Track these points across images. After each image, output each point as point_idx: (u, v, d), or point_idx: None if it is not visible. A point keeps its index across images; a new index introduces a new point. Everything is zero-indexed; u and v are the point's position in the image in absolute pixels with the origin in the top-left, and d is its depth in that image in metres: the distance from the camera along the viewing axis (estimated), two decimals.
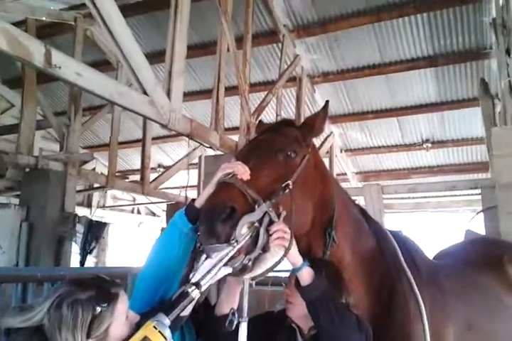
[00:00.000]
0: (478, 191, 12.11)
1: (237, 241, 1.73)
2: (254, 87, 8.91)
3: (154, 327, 1.63)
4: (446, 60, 8.68)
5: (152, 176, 9.65)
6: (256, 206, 1.83)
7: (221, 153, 5.96)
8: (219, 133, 5.60)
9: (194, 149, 9.78)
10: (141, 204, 14.46)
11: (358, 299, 2.27)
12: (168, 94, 4.48)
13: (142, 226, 15.23)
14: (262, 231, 1.83)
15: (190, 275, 1.81)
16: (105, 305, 1.63)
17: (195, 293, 1.71)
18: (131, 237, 14.66)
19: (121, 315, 1.69)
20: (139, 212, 15.55)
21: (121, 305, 1.71)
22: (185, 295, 1.71)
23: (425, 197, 12.51)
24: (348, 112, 10.34)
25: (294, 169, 2.13)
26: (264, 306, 3.18)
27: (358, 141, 11.41)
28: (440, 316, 2.46)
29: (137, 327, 1.67)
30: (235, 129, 8.96)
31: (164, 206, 12.93)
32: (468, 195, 12.46)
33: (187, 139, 10.55)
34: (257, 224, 1.83)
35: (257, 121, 2.99)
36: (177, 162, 9.65)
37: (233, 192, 1.86)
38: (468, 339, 2.57)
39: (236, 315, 1.88)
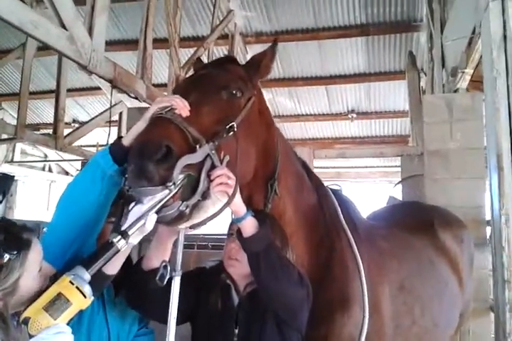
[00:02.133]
0: (394, 164, 12.65)
1: (174, 183, 1.45)
2: (184, 41, 8.42)
3: (71, 282, 1.37)
4: (378, 30, 8.67)
5: (66, 132, 8.95)
6: (197, 147, 1.57)
7: (147, 105, 5.52)
8: (146, 83, 5.15)
9: (115, 104, 9.12)
10: (53, 161, 13.50)
11: (298, 255, 2.16)
12: (90, 31, 3.98)
13: (54, 185, 14.32)
14: (202, 175, 1.57)
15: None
16: (15, 252, 1.38)
17: (121, 244, 1.45)
18: (42, 196, 13.82)
19: (33, 265, 1.43)
20: (50, 170, 14.49)
21: (34, 254, 1.44)
22: (109, 245, 1.45)
23: (346, 167, 12.85)
24: (279, 77, 10.13)
25: (238, 110, 1.90)
26: (189, 268, 3.00)
27: (286, 107, 11.29)
28: (377, 274, 2.43)
29: (53, 282, 1.40)
30: (161, 86, 8.49)
31: (78, 165, 12.20)
32: (384, 166, 13.04)
33: (106, 93, 9.88)
34: (197, 167, 1.57)
35: (195, 59, 2.68)
36: (96, 116, 8.94)
37: (171, 128, 1.58)
38: (401, 299, 2.56)
39: (168, 268, 1.63)
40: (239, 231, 1.81)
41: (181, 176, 1.50)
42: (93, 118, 8.92)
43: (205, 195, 1.60)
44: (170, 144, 1.48)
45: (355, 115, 11.14)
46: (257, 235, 1.77)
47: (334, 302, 2.22)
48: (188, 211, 1.56)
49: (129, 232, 1.47)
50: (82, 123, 9.40)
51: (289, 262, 1.90)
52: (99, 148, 10.46)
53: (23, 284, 1.40)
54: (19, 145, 12.51)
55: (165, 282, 1.64)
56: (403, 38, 8.87)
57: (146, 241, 1.77)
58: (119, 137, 1.75)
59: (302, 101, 11.07)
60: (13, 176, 8.57)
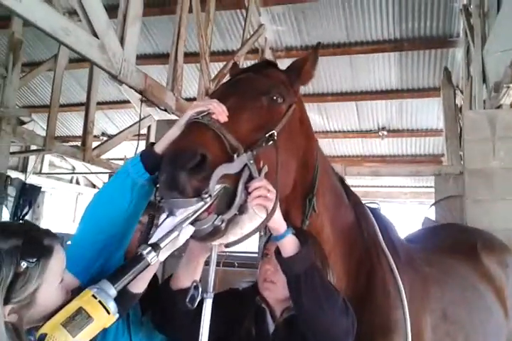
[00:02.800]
0: (426, 184, 12.29)
1: (210, 195, 1.30)
2: (214, 55, 8.40)
3: (93, 296, 1.23)
4: (412, 45, 8.50)
5: (95, 145, 8.99)
6: (235, 156, 1.42)
7: (176, 118, 5.43)
8: (176, 95, 5.07)
9: (144, 118, 9.11)
10: (81, 173, 13.59)
11: (337, 278, 1.95)
12: (122, 41, 3.91)
13: (81, 197, 14.38)
14: (240, 187, 1.42)
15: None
16: (33, 260, 1.23)
17: (151, 257, 1.30)
18: (69, 208, 13.88)
19: (54, 275, 1.28)
20: (77, 183, 14.59)
21: (56, 263, 1.29)
22: (138, 258, 1.29)
23: (375, 186, 12.56)
24: (308, 92, 9.98)
25: (279, 117, 1.74)
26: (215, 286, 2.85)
27: (315, 123, 11.11)
28: (419, 302, 2.24)
29: (76, 296, 1.27)
30: (190, 100, 8.45)
31: (105, 178, 12.23)
32: (415, 186, 12.69)
33: (136, 106, 9.91)
34: (234, 178, 1.42)
35: (232, 64, 2.55)
36: (124, 129, 8.96)
37: (207, 135, 1.43)
38: (443, 328, 2.36)
39: (199, 289, 1.46)
40: (277, 251, 1.63)
41: (217, 187, 1.36)
42: (121, 132, 8.93)
43: (242, 209, 1.45)
44: (205, 152, 1.34)
45: (385, 132, 10.88)
46: (298, 255, 1.59)
47: (376, 331, 2.04)
48: (223, 226, 1.41)
49: (161, 245, 1.32)
50: (111, 136, 9.44)
51: (333, 286, 1.71)
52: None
53: (41, 296, 1.26)
54: (47, 157, 12.64)
55: (195, 304, 1.47)
56: (438, 54, 8.67)
57: (171, 257, 1.62)
58: (152, 143, 1.62)
59: (331, 117, 10.89)
60: (40, 187, 8.60)
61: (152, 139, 8.95)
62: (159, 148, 1.56)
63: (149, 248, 1.30)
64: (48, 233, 1.36)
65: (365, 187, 12.72)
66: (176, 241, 1.35)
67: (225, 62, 7.76)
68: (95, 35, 3.63)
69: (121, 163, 10.28)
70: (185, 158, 1.31)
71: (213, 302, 1.53)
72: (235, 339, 1.81)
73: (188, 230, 1.35)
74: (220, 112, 1.51)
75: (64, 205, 14.02)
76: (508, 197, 4.35)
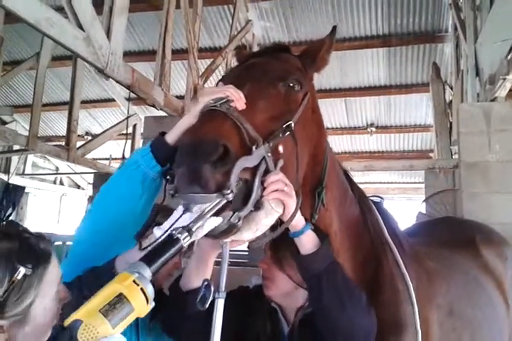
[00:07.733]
0: (414, 180, 12.28)
1: (232, 191, 1.20)
2: (201, 52, 8.25)
3: (135, 282, 1.02)
4: (401, 41, 8.45)
5: (79, 144, 8.82)
6: (253, 148, 1.30)
7: (165, 114, 5.28)
8: (164, 90, 4.92)
9: (129, 116, 8.95)
10: (65, 173, 13.34)
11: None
12: (108, 33, 3.77)
13: (65, 198, 14.12)
14: (257, 182, 1.31)
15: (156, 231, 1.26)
16: (31, 266, 1.04)
17: (186, 241, 1.16)
18: (53, 210, 13.63)
19: (51, 285, 1.10)
20: (61, 183, 14.32)
21: (53, 270, 1.11)
22: (173, 241, 1.14)
23: (363, 182, 12.52)
24: None
25: (296, 106, 1.62)
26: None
27: None
28: (426, 297, 2.16)
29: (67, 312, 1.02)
30: (178, 98, 8.32)
31: (90, 178, 12.00)
32: (403, 182, 12.70)
33: (121, 105, 9.73)
34: (251, 172, 1.32)
35: (235, 50, 2.42)
36: (109, 128, 8.79)
37: (227, 124, 1.31)
38: (449, 325, 2.27)
39: (211, 288, 1.33)
40: (295, 249, 1.52)
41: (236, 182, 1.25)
42: (106, 130, 8.77)
43: (258, 205, 1.35)
44: (227, 144, 1.22)
45: (374, 129, 10.85)
46: (319, 251, 1.49)
47: (385, 327, 1.92)
48: (239, 223, 1.29)
49: (193, 229, 1.18)
50: (95, 136, 9.27)
51: (354, 284, 1.60)
52: (112, 161, 10.28)
53: (36, 311, 1.07)
54: (30, 158, 12.40)
55: (207, 305, 1.32)
56: (426, 49, 8.64)
57: None
58: (162, 133, 1.49)
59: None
60: (24, 187, 8.39)
61: (138, 138, 8.81)
62: (171, 137, 1.46)
63: (186, 232, 1.16)
64: (42, 236, 1.19)
65: None
66: (200, 230, 1.21)
67: (212, 59, 7.63)
68: (80, 27, 3.48)
69: (106, 162, 10.09)
70: (207, 149, 1.19)
71: (225, 302, 1.41)
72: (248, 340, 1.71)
73: (213, 221, 1.23)
74: (237, 99, 1.40)
75: (48, 206, 13.78)
76: (503, 191, 4.32)
